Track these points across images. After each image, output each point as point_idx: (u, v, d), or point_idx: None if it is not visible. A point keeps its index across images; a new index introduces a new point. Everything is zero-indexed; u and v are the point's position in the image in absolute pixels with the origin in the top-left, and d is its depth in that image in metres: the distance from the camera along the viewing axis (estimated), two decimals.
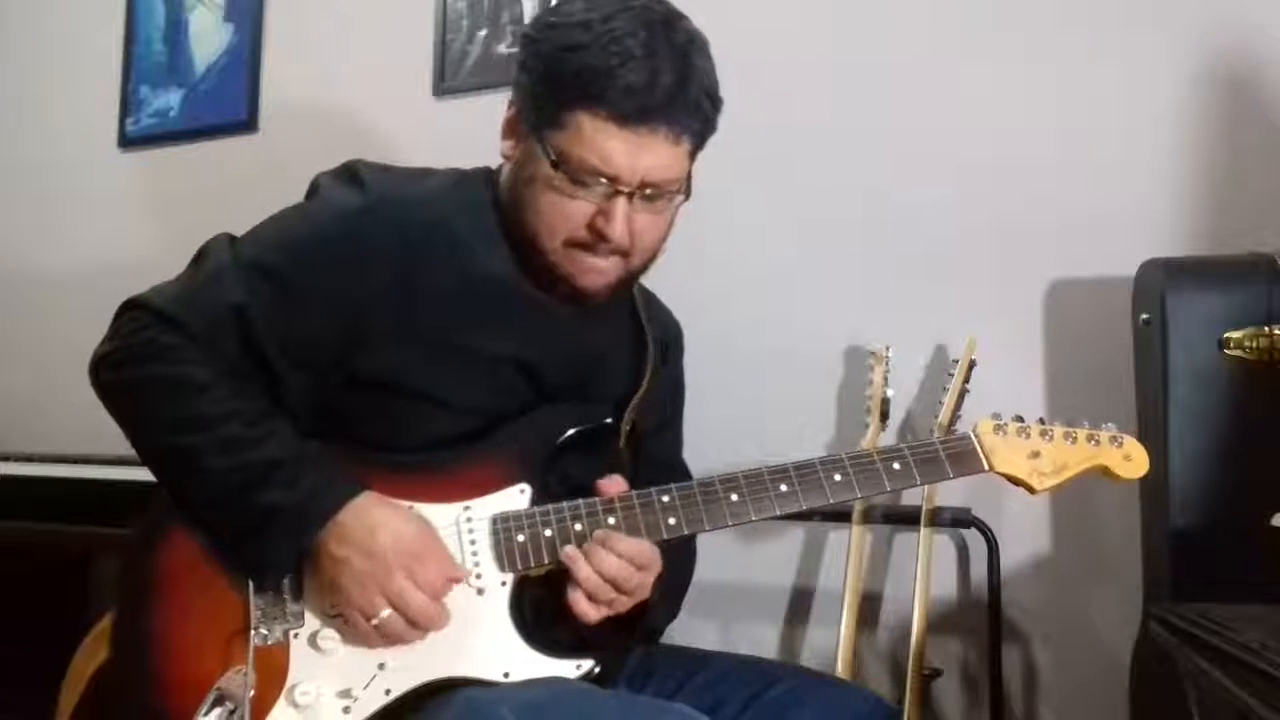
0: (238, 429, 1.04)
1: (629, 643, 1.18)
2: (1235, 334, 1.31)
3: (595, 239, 1.08)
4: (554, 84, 1.06)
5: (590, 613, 1.03)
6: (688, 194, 1.13)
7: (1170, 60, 1.60)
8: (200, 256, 1.13)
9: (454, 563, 1.05)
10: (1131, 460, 1.11)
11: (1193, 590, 1.26)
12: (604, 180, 1.06)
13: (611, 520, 1.06)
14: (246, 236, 1.13)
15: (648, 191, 1.08)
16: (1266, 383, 1.29)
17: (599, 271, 1.11)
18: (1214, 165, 1.57)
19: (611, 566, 1.03)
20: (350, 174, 1.14)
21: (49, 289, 2.49)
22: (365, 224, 1.10)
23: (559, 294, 1.14)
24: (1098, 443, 1.11)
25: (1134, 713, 1.34)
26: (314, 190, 1.16)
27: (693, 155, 1.12)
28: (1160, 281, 1.36)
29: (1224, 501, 1.30)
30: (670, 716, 0.95)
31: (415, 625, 1.01)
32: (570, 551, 1.04)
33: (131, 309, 1.10)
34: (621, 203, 1.07)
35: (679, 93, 1.05)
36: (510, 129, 1.15)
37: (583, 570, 1.03)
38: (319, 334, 1.08)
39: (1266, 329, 1.29)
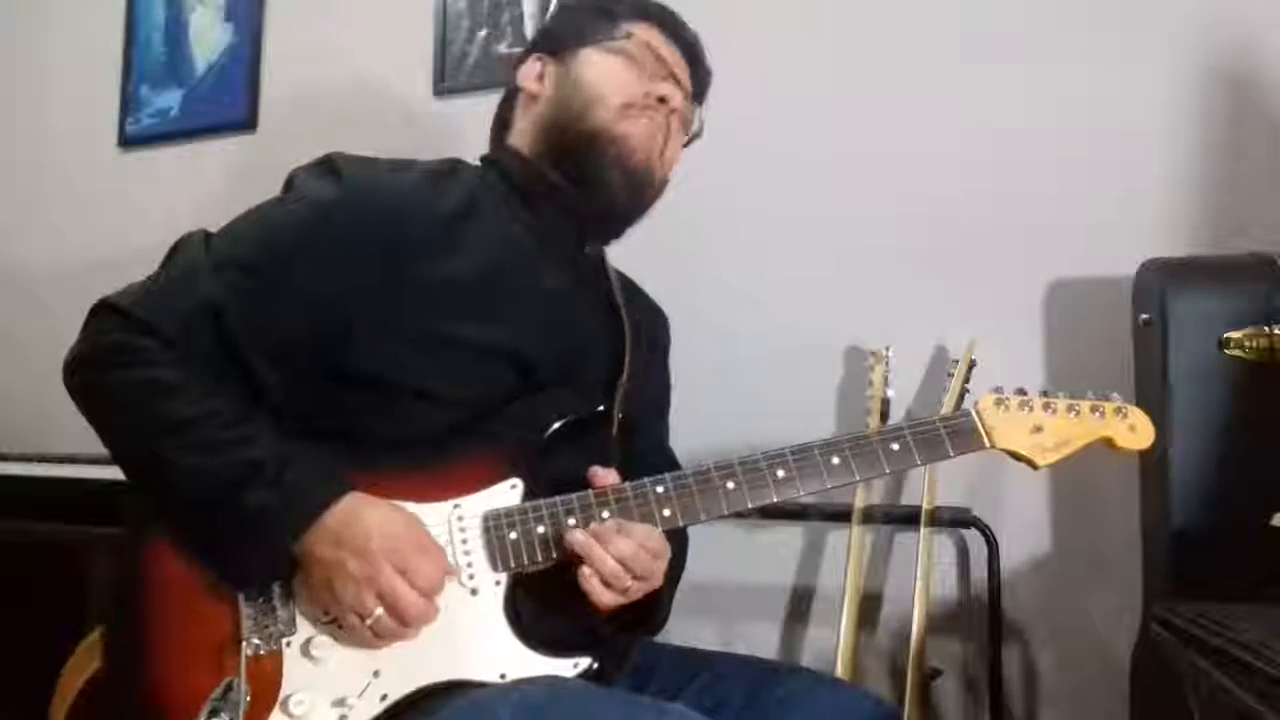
0: (214, 431, 1.00)
1: (637, 635, 1.17)
2: (1235, 334, 1.31)
3: (653, 102, 1.20)
4: (607, 10, 1.24)
5: (606, 598, 1.02)
6: (696, 135, 1.29)
7: (1170, 60, 1.60)
8: (172, 254, 1.10)
9: (445, 557, 1.03)
10: (1136, 430, 1.09)
11: (1193, 590, 1.26)
12: (652, 60, 1.21)
13: (605, 514, 1.05)
14: (220, 232, 1.11)
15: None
16: (1266, 383, 1.29)
17: (649, 134, 1.20)
18: (1214, 165, 1.57)
19: (627, 551, 1.02)
20: (327, 166, 1.13)
21: (49, 289, 2.49)
22: (342, 215, 1.08)
23: (606, 169, 1.18)
24: (1102, 414, 1.09)
25: (1134, 713, 1.34)
26: (289, 184, 1.14)
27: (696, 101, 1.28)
28: (1160, 281, 1.36)
29: (1224, 501, 1.30)
30: (669, 716, 0.94)
31: (408, 624, 0.99)
32: (581, 538, 1.02)
33: (101, 310, 1.08)
34: (671, 81, 1.22)
35: (698, 44, 1.28)
36: (539, 74, 1.25)
37: (598, 555, 1.01)
38: (297, 329, 1.06)
39: (1266, 329, 1.29)
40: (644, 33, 1.22)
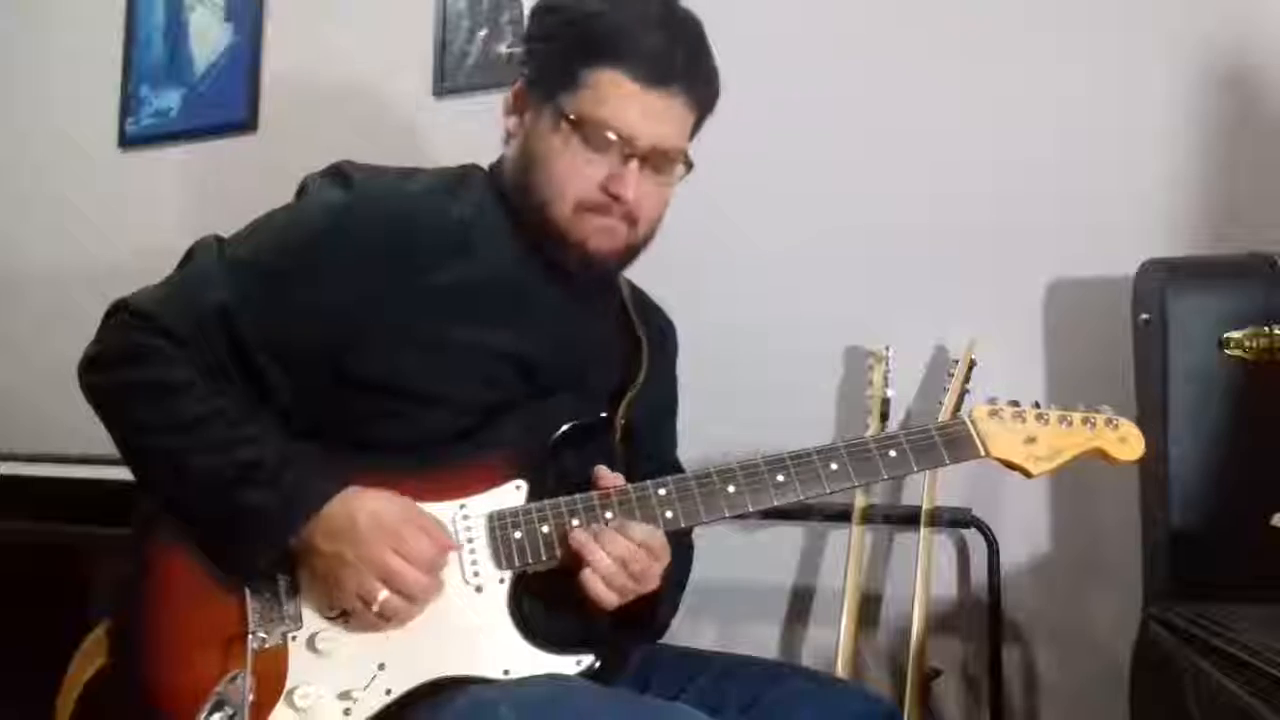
0: (220, 430, 1.03)
1: (637, 636, 1.18)
2: (1235, 334, 1.31)
3: (608, 200, 1.10)
4: (573, 46, 1.10)
5: (606, 596, 1.03)
6: (689, 166, 1.16)
7: (1170, 60, 1.60)
8: (187, 257, 1.12)
9: (440, 529, 1.04)
10: (1127, 442, 1.11)
11: (1193, 590, 1.26)
12: (618, 142, 1.08)
13: (609, 515, 1.06)
14: (234, 237, 1.13)
15: (656, 159, 1.11)
16: (1266, 383, 1.29)
17: (609, 233, 1.12)
18: (1214, 165, 1.58)
19: (624, 550, 1.03)
20: (338, 174, 1.14)
21: (49, 289, 2.49)
22: (352, 222, 1.09)
23: (570, 263, 1.14)
24: (1093, 425, 1.11)
25: (1134, 713, 1.34)
26: (302, 190, 1.15)
27: (694, 131, 1.16)
28: (1160, 281, 1.36)
29: (1224, 501, 1.30)
30: (672, 714, 0.95)
31: (414, 601, 1.00)
32: (581, 536, 1.04)
33: (117, 311, 1.09)
34: (634, 166, 1.09)
35: (694, 63, 1.11)
36: (517, 102, 1.17)
37: (596, 554, 1.03)
38: (307, 334, 1.08)
39: (1266, 329, 1.29)
40: (610, 85, 1.07)
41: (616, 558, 1.03)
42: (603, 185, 1.10)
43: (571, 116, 1.08)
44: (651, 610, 1.13)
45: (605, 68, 1.08)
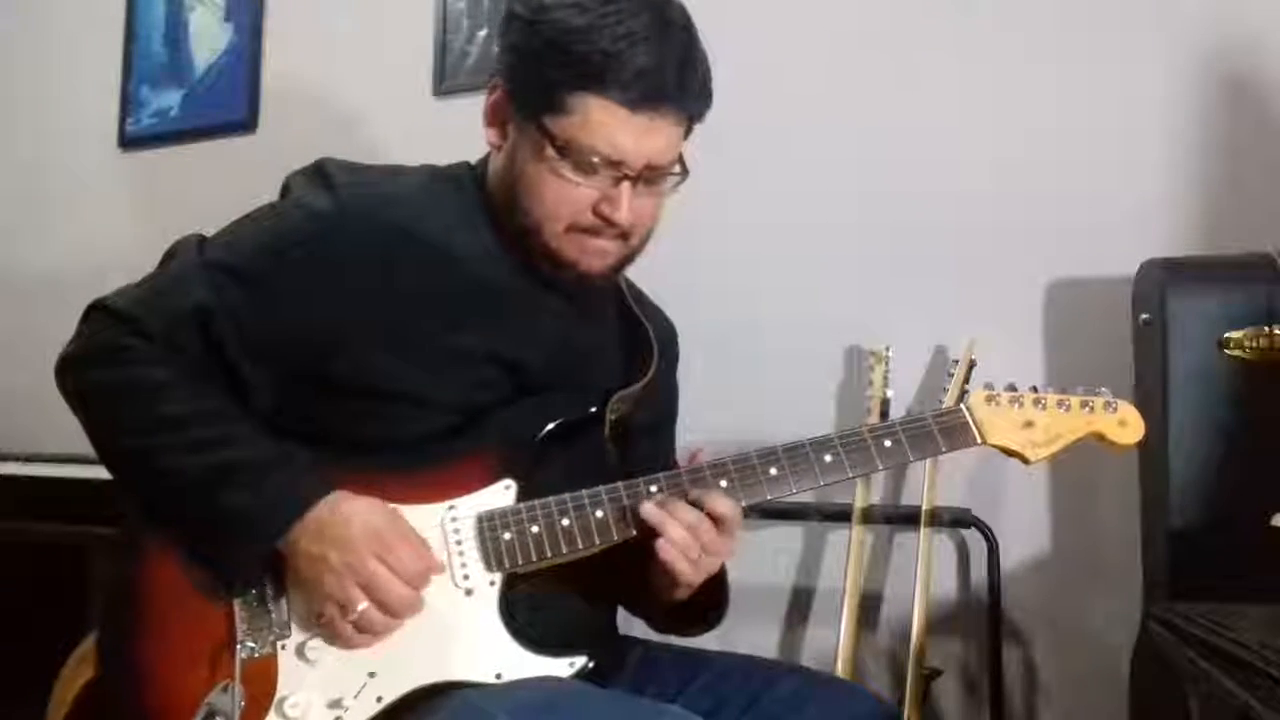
0: (199, 431, 1.01)
1: (700, 626, 1.21)
2: (1235, 334, 1.31)
3: (601, 223, 1.07)
4: (556, 68, 1.03)
5: (683, 567, 1.02)
6: (686, 172, 1.12)
7: (1170, 60, 1.60)
8: (168, 257, 1.11)
9: (428, 548, 1.03)
10: (1127, 425, 1.08)
11: (1193, 590, 1.26)
12: (609, 165, 1.05)
13: (600, 514, 1.05)
14: (215, 237, 1.11)
15: (650, 174, 1.08)
16: (1266, 383, 1.29)
17: (602, 254, 1.10)
18: (1214, 165, 1.57)
19: (694, 517, 1.02)
20: (320, 173, 1.12)
21: (49, 289, 2.49)
22: (335, 225, 1.07)
23: (562, 278, 1.12)
24: (1092, 409, 1.08)
25: (1134, 713, 1.34)
26: (285, 190, 1.14)
27: (686, 133, 1.12)
28: (1160, 281, 1.36)
29: (1224, 501, 1.30)
30: (666, 717, 0.94)
31: (393, 615, 0.99)
32: (651, 509, 1.02)
33: (94, 311, 1.08)
34: (626, 187, 1.06)
35: (686, 76, 1.05)
36: (497, 115, 1.12)
37: (669, 525, 1.01)
38: (288, 336, 1.06)
39: (1266, 329, 1.29)
40: (597, 110, 1.02)
41: (688, 526, 1.01)
42: (595, 208, 1.07)
43: (559, 143, 1.04)
44: (718, 595, 1.15)
45: (592, 94, 1.02)
